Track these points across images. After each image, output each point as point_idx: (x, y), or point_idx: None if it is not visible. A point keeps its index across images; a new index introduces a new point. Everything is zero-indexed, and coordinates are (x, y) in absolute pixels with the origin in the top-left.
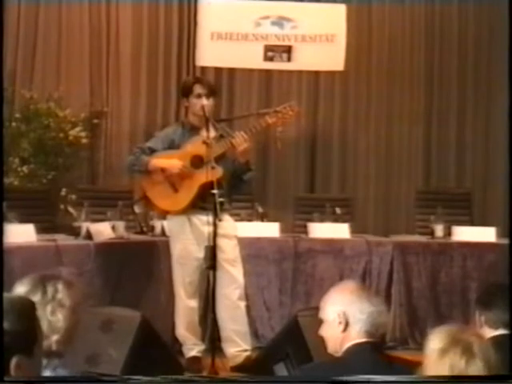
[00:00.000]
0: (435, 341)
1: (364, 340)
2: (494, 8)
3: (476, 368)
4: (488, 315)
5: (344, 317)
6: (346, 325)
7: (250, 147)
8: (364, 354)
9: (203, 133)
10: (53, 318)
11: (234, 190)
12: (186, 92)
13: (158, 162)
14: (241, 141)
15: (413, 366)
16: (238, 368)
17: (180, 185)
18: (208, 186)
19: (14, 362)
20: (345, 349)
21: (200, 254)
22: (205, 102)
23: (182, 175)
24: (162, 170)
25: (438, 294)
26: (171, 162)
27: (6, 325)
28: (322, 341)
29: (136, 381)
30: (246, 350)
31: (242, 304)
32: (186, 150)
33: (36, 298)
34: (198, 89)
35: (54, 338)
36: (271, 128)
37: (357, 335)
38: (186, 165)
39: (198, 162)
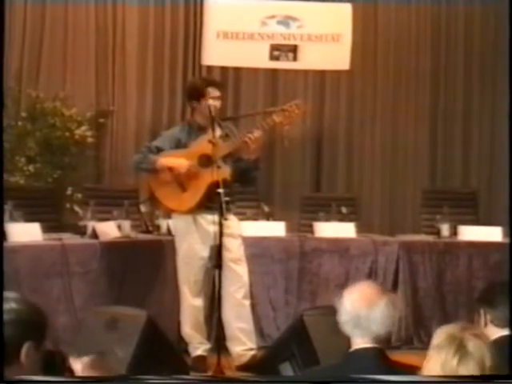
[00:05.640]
0: (434, 338)
1: (370, 345)
2: (500, 8)
3: (467, 368)
4: (493, 314)
5: (353, 321)
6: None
7: (261, 144)
8: (369, 360)
9: (210, 132)
10: None
11: (241, 187)
12: (197, 94)
13: (165, 161)
14: (252, 138)
15: (416, 371)
16: (243, 367)
17: (188, 184)
18: (215, 186)
19: (24, 349)
20: (350, 352)
21: (205, 253)
22: (217, 104)
23: (189, 175)
24: (170, 169)
25: (444, 294)
26: (179, 161)
27: (22, 313)
28: (327, 340)
29: (141, 381)
30: (251, 349)
31: (247, 302)
32: (193, 149)
33: None
34: (211, 92)
35: None
36: (277, 126)
37: (363, 340)
38: (193, 164)
39: (205, 161)
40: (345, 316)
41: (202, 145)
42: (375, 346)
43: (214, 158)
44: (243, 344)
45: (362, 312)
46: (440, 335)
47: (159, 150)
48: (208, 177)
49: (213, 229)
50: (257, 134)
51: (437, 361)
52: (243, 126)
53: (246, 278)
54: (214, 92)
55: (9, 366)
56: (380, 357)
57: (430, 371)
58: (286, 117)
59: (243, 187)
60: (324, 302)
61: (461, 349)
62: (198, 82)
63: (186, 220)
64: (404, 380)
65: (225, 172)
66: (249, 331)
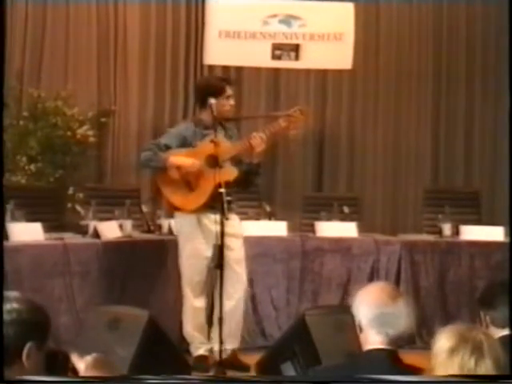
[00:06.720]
0: (443, 340)
1: (381, 347)
2: (502, 7)
3: (485, 367)
4: (493, 315)
5: (371, 321)
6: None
7: (264, 149)
8: (380, 361)
9: (216, 132)
10: None
11: (238, 189)
12: (213, 92)
13: (176, 159)
14: (259, 141)
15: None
16: (242, 366)
17: (195, 184)
18: (221, 186)
19: (26, 349)
20: (364, 352)
21: (209, 253)
22: (232, 102)
23: (197, 174)
24: (179, 167)
25: (446, 293)
26: (189, 160)
27: (24, 313)
28: (329, 340)
29: (142, 381)
30: (247, 348)
31: (245, 301)
32: (201, 148)
33: None
34: (229, 90)
35: None
36: (281, 130)
37: (376, 341)
38: (202, 164)
39: (212, 161)
40: (362, 316)
41: (209, 145)
42: (389, 347)
43: (221, 158)
44: (240, 343)
45: (381, 312)
46: (450, 337)
47: (167, 148)
48: (215, 177)
49: (217, 229)
50: (264, 137)
51: (452, 364)
52: (244, 127)
53: (245, 277)
54: (230, 90)
55: (11, 366)
56: (393, 359)
57: (447, 373)
58: (291, 121)
59: (241, 189)
60: (326, 301)
61: (476, 350)
62: (217, 80)
63: (190, 220)
64: (409, 380)
65: (233, 173)
66: (246, 330)
